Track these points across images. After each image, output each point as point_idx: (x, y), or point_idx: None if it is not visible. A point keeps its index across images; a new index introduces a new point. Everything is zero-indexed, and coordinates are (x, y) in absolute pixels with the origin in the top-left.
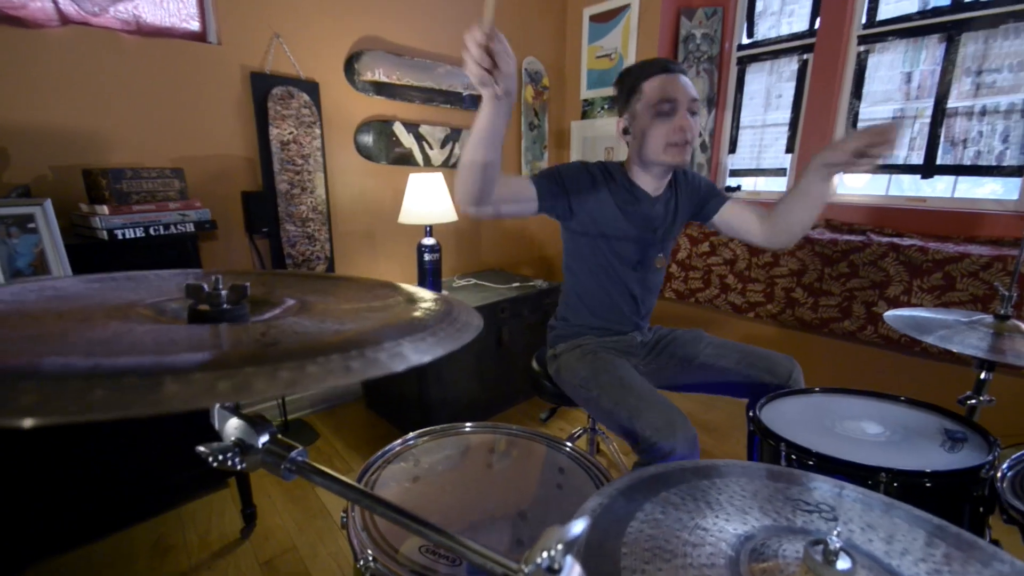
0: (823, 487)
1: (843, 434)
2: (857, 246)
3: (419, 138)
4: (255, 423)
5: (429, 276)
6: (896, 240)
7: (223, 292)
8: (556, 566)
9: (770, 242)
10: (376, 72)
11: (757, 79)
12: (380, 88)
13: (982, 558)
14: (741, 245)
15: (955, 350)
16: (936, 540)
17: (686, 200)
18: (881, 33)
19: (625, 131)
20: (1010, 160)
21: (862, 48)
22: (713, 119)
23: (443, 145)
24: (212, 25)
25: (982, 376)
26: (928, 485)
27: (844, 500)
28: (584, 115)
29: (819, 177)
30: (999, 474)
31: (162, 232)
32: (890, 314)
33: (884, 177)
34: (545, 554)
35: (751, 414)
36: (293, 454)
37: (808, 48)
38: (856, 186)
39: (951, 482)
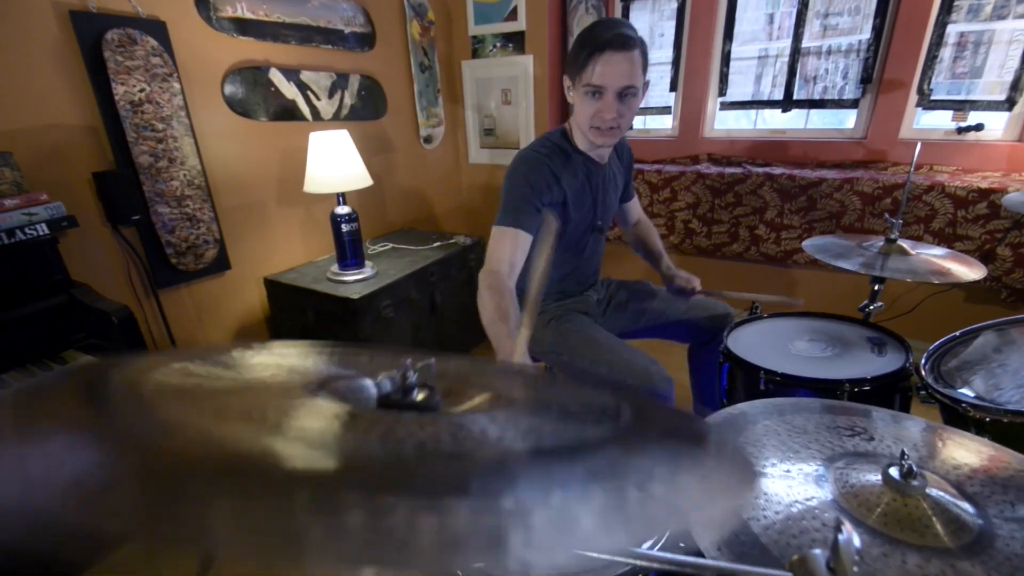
0: (848, 414)
1: (798, 354)
2: (739, 178)
3: (302, 87)
4: None
5: (349, 248)
6: (769, 170)
7: (414, 382)
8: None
9: (625, 236)
10: (237, 6)
11: (641, 17)
12: (245, 27)
13: (961, 440)
14: (643, 184)
15: (862, 272)
16: (932, 431)
17: (621, 172)
18: None
19: (568, 90)
20: (848, 94)
21: None
22: None
23: (331, 94)
24: None
25: (876, 288)
26: (869, 388)
27: (868, 420)
28: (475, 54)
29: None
30: (922, 369)
31: (5, 241)
32: (808, 243)
33: (752, 112)
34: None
35: (722, 347)
36: None
37: None
38: (729, 122)
39: (891, 380)
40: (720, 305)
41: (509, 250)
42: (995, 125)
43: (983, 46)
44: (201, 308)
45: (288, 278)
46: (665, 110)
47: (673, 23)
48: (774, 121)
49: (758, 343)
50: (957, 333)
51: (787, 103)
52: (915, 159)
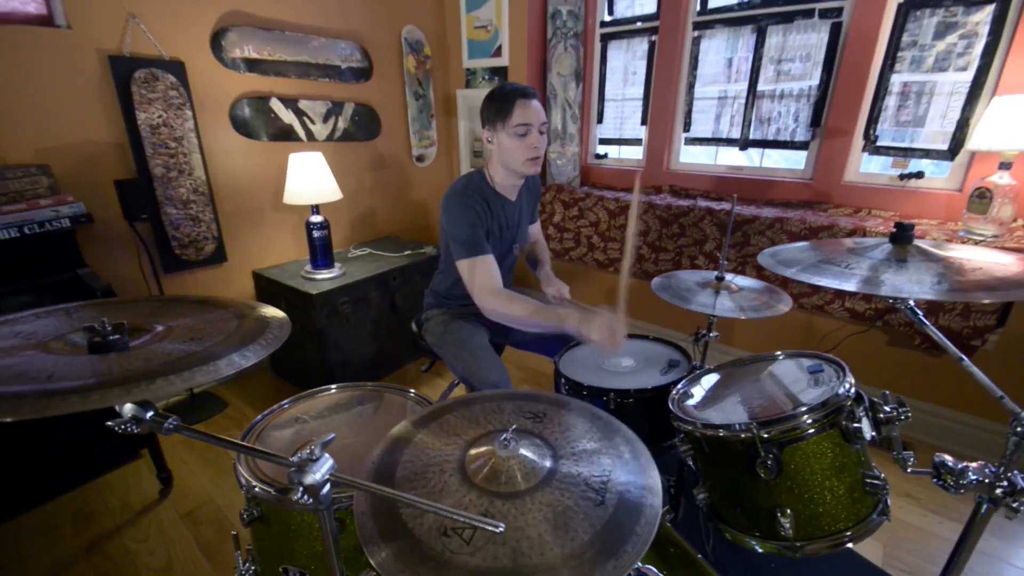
0: (549, 404)
1: (606, 368)
2: (685, 210)
3: (299, 113)
4: (143, 405)
5: (320, 251)
6: (712, 205)
7: (110, 331)
8: (314, 456)
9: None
10: (246, 48)
11: (617, 55)
12: (252, 65)
13: (608, 432)
14: (603, 209)
15: (691, 309)
16: (592, 428)
17: (530, 202)
18: (710, 20)
19: (489, 141)
20: (799, 136)
21: (696, 33)
22: (581, 92)
23: (326, 119)
24: (58, 7)
25: (711, 320)
26: (631, 400)
27: (561, 409)
28: (468, 84)
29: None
30: (674, 392)
31: (37, 231)
32: (655, 282)
33: (712, 148)
34: (307, 450)
35: (555, 359)
36: (168, 421)
37: (655, 30)
38: (693, 157)
39: (654, 395)
40: None
41: (490, 273)
42: (939, 174)
43: (925, 96)
44: (200, 292)
45: (271, 272)
46: (637, 142)
47: (644, 62)
48: (734, 158)
49: (584, 359)
50: (710, 366)
51: (744, 142)
52: (733, 208)
